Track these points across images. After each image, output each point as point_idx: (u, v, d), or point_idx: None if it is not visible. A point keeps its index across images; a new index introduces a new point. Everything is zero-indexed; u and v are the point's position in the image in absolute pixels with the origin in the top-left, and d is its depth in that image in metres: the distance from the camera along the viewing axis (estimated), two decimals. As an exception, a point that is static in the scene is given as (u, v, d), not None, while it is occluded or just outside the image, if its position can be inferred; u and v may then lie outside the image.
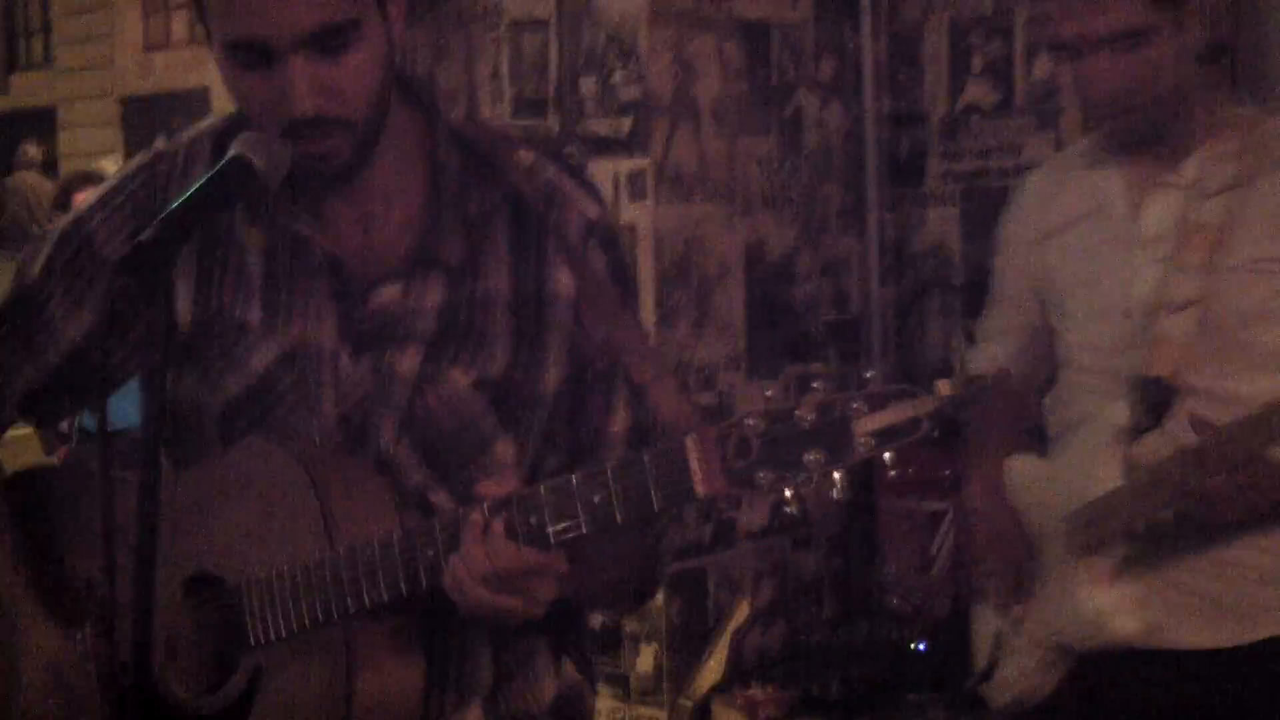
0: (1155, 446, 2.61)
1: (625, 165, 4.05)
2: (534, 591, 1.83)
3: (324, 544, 1.88)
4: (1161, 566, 2.68)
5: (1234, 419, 2.50)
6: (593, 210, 2.04)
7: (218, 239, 2.03)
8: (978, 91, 4.57)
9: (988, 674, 2.90)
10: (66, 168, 15.25)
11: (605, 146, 4.07)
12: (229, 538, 1.96)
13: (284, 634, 1.90)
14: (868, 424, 1.65)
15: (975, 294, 4.60)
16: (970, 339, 3.21)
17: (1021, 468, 2.87)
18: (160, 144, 2.11)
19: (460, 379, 1.99)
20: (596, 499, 1.77)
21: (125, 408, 2.04)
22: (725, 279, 4.23)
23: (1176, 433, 2.58)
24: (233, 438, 2.00)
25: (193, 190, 1.84)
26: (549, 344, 2.01)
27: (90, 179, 7.61)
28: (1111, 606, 2.70)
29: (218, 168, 1.88)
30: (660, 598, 4.20)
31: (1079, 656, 2.76)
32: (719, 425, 1.70)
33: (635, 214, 4.03)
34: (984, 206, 4.57)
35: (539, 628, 2.00)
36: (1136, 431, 2.66)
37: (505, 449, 2.01)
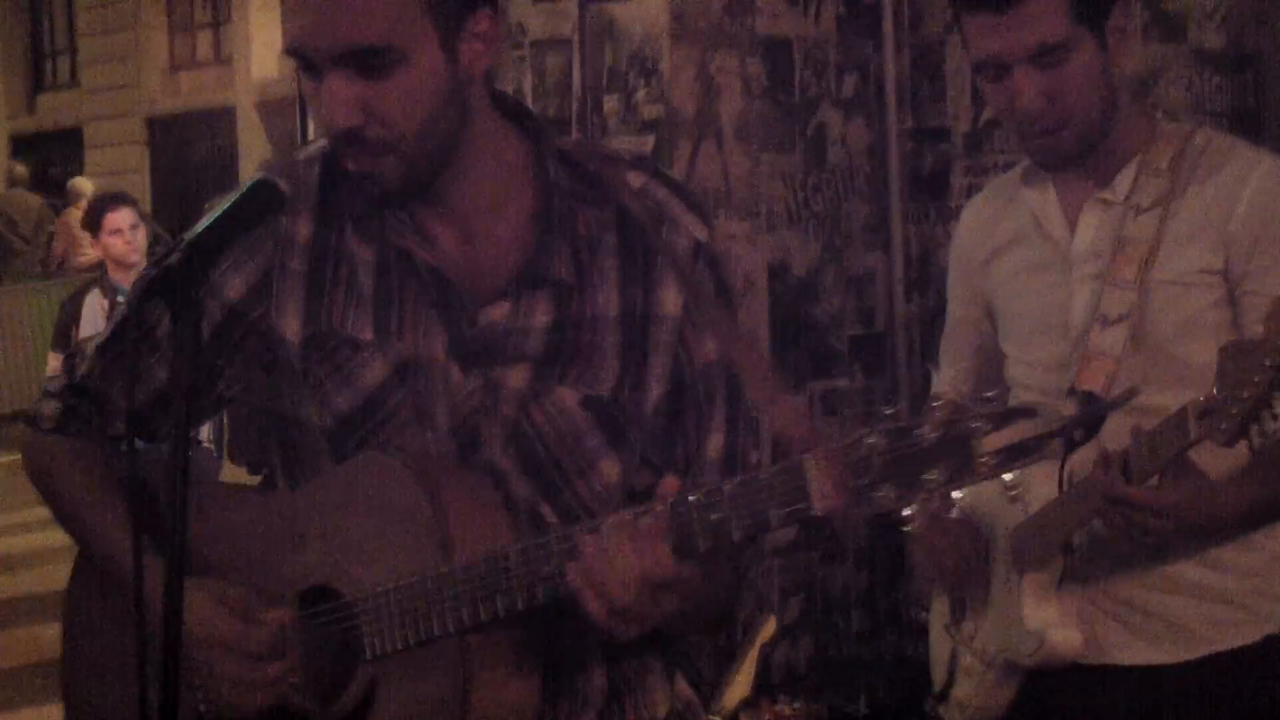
0: (1089, 459, 2.60)
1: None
2: (664, 600, 1.84)
3: (439, 558, 1.91)
4: (1103, 581, 2.68)
5: (1154, 426, 2.49)
6: (701, 232, 2.06)
7: (326, 256, 2.05)
8: (1000, 106, 4.57)
9: (944, 694, 2.90)
10: (94, 187, 15.33)
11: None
12: (345, 551, 1.98)
13: (399, 647, 1.92)
14: (989, 443, 1.65)
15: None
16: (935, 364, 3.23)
17: (974, 487, 2.85)
18: (274, 165, 2.14)
19: (568, 396, 2.01)
20: (713, 516, 1.77)
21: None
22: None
23: (1110, 446, 2.57)
24: (345, 455, 2.02)
25: (219, 213, 1.86)
26: (654, 363, 2.02)
27: (121, 199, 7.67)
28: (1053, 621, 2.69)
29: (243, 190, 1.90)
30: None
31: (1027, 673, 2.75)
32: (840, 443, 1.70)
33: (659, 232, 4.04)
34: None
35: (654, 643, 2.01)
36: (1070, 445, 2.65)
37: (610, 467, 2.03)
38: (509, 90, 4.31)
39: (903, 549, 4.93)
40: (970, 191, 4.59)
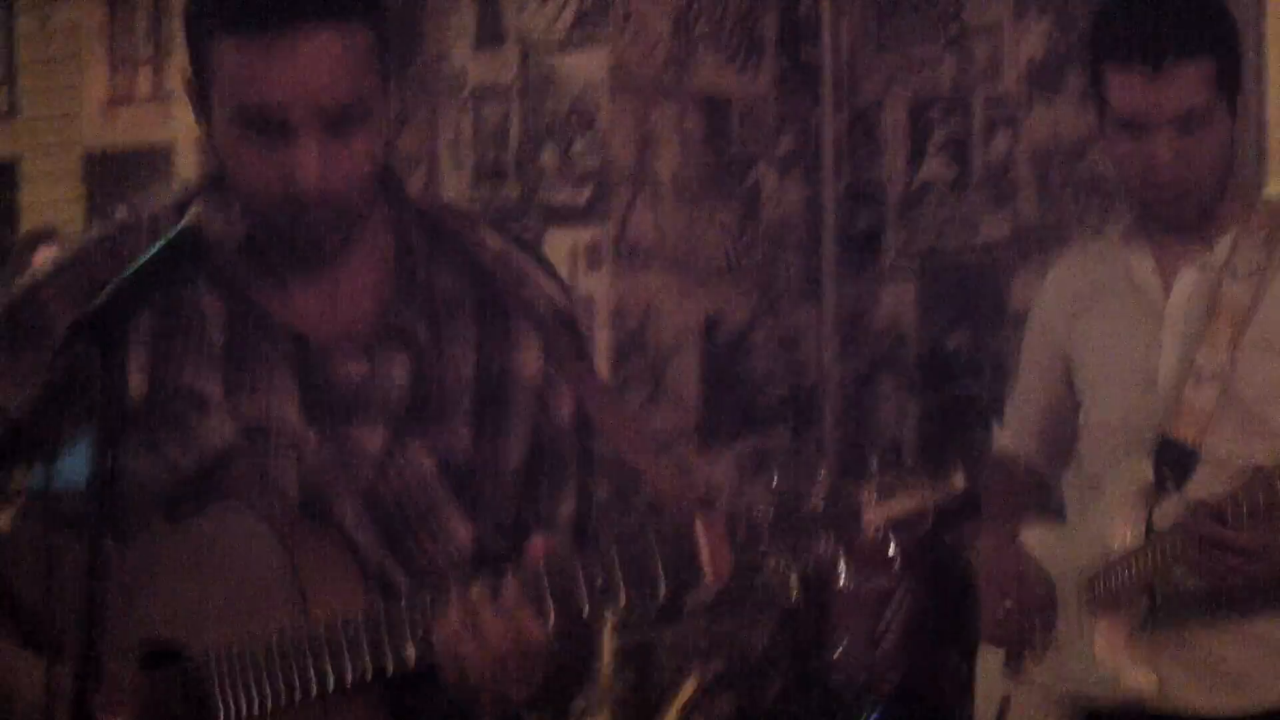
0: (1174, 510, 2.67)
1: (584, 235, 4.06)
2: (527, 670, 1.81)
3: (300, 614, 1.87)
4: (1178, 629, 2.75)
5: (1252, 476, 2.58)
6: (559, 295, 2.05)
7: (177, 309, 2.01)
8: (935, 168, 4.60)
9: None
10: (29, 220, 15.16)
11: (564, 216, 4.08)
12: (192, 606, 1.94)
13: (255, 710, 1.87)
14: (877, 513, 1.65)
15: (929, 370, 4.63)
16: (998, 420, 3.27)
17: (1038, 534, 2.94)
18: (123, 214, 2.10)
19: (424, 459, 1.98)
20: (601, 581, 1.75)
21: (74, 468, 2.03)
22: (681, 350, 4.25)
23: (1195, 498, 2.65)
24: (179, 515, 1.98)
25: (146, 258, 1.83)
26: (512, 426, 2.01)
27: (48, 236, 7.56)
28: (1126, 663, 2.75)
29: (170, 236, 1.88)
30: (609, 669, 4.18)
31: (1089, 716, 2.80)
32: (729, 509, 1.69)
33: (593, 284, 4.04)
34: (940, 282, 4.60)
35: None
36: (1157, 494, 2.73)
37: (464, 529, 2.01)
38: (449, 138, 4.32)
39: (825, 608, 4.94)
40: (902, 252, 4.62)
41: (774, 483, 1.70)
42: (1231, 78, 2.71)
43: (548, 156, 4.10)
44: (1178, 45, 2.65)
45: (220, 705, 1.89)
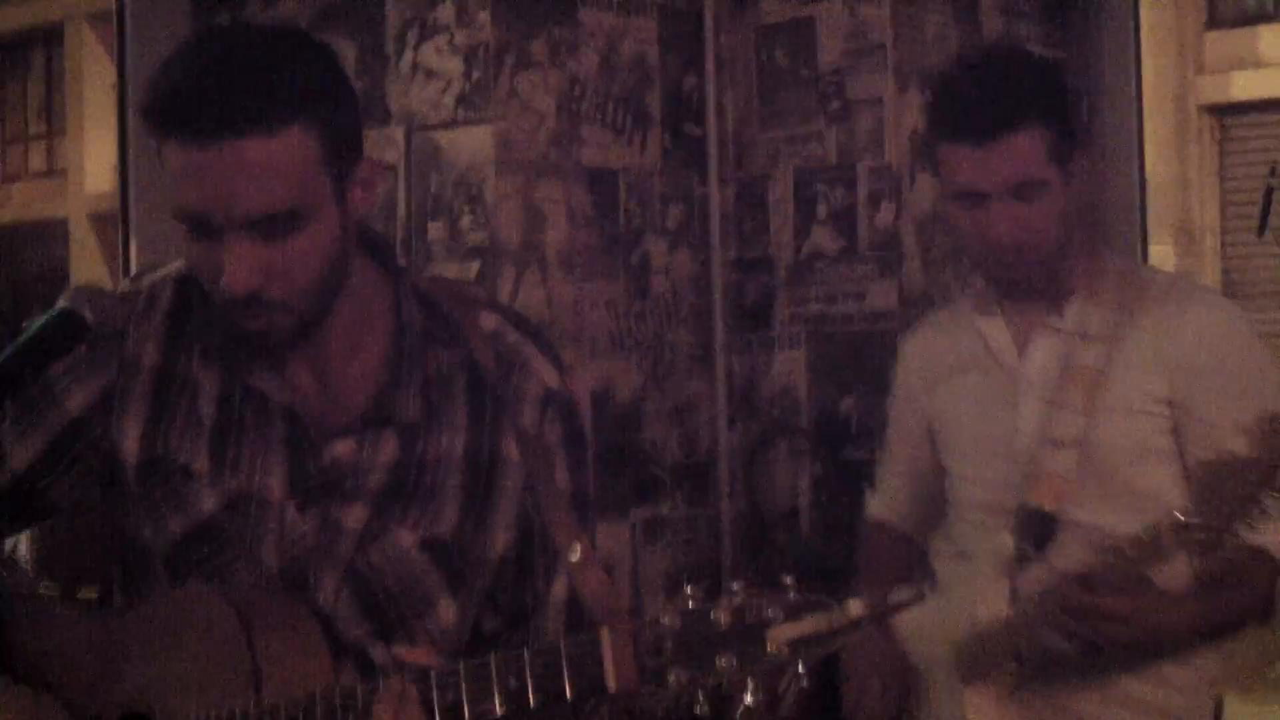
0: (1038, 576, 2.69)
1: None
2: None
3: (251, 694, 1.89)
4: (1048, 693, 2.76)
5: (1117, 542, 2.59)
6: (552, 379, 2.07)
7: (170, 381, 2.04)
8: (822, 238, 4.65)
9: None
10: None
11: (453, 291, 4.10)
12: (164, 680, 1.96)
13: None
14: (782, 633, 1.68)
15: (821, 437, 4.67)
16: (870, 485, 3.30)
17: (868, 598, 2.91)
18: (125, 285, 2.13)
19: (406, 538, 2.01)
20: (513, 683, 1.78)
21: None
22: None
23: (1059, 563, 2.66)
24: (179, 578, 2.01)
25: (20, 341, 1.85)
26: (498, 508, 2.03)
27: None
28: None
29: (45, 319, 1.89)
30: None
31: None
32: (635, 621, 1.72)
33: (482, 358, 4.04)
34: (830, 350, 4.65)
35: None
36: (1020, 562, 2.75)
37: (448, 609, 2.03)
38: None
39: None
40: (792, 321, 4.66)
41: (688, 594, 1.73)
42: (1065, 146, 2.76)
43: (435, 233, 4.12)
44: (1005, 117, 2.71)
45: None
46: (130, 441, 2.05)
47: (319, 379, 2.03)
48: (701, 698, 1.70)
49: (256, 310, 1.92)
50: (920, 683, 2.91)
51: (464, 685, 1.80)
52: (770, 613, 1.69)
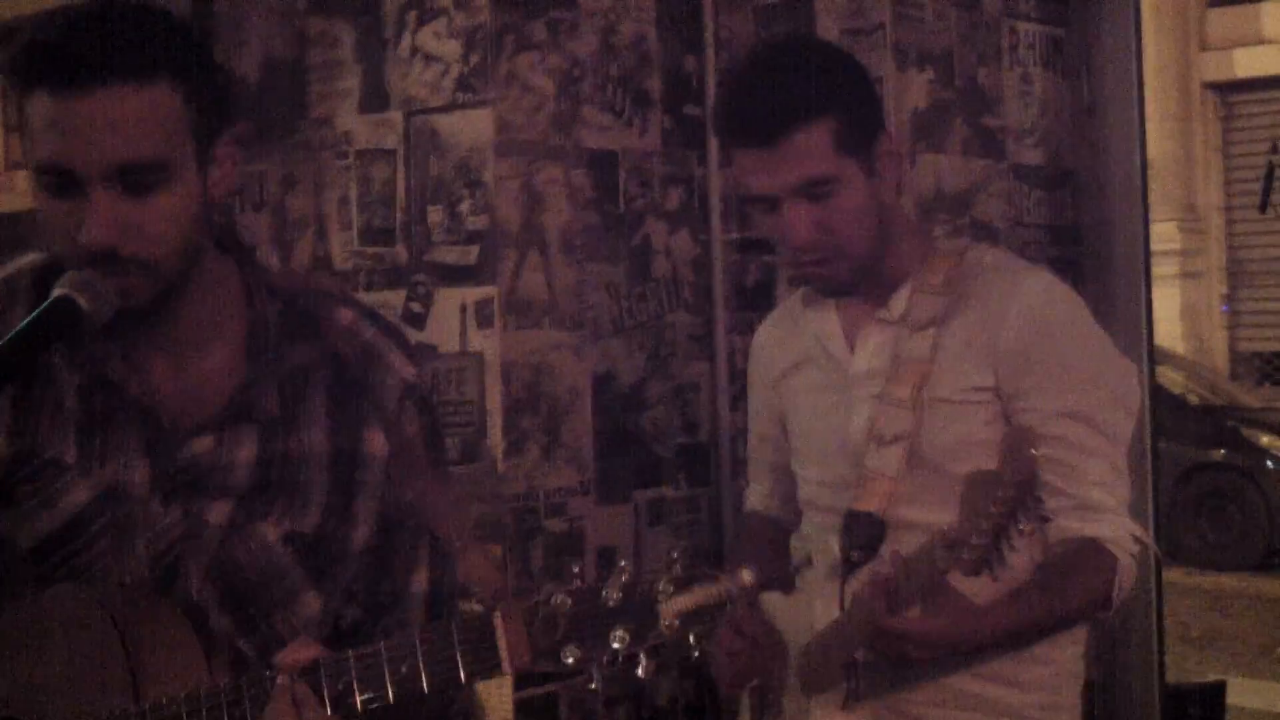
0: (866, 581, 2.60)
1: (473, 294, 4.07)
2: None
3: (129, 695, 1.88)
4: (890, 699, 2.69)
5: (909, 552, 2.50)
6: (409, 372, 2.07)
7: (35, 375, 2.03)
8: (823, 219, 4.63)
9: None
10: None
11: (453, 275, 4.09)
12: (37, 683, 1.95)
13: None
14: (673, 605, 1.69)
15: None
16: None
17: (771, 603, 2.83)
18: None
19: (270, 532, 2.00)
20: (404, 668, 1.78)
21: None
22: (575, 405, 4.26)
23: (881, 569, 2.58)
24: (45, 575, 1.99)
25: (16, 331, 1.84)
26: (360, 502, 2.03)
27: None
28: None
29: (42, 308, 1.89)
30: (509, 726, 4.17)
31: None
32: (526, 601, 1.73)
33: (483, 342, 4.05)
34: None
35: None
36: (850, 566, 2.68)
37: (311, 602, 2.03)
38: (335, 200, 4.32)
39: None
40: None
41: (576, 573, 1.75)
42: (860, 135, 2.64)
43: (435, 217, 4.11)
44: (785, 118, 2.59)
45: None
46: None
47: (174, 374, 2.02)
48: (596, 674, 1.73)
49: (117, 269, 1.91)
50: (778, 686, 2.84)
51: (354, 673, 1.80)
52: (660, 587, 1.71)
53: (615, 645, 1.71)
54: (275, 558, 2.00)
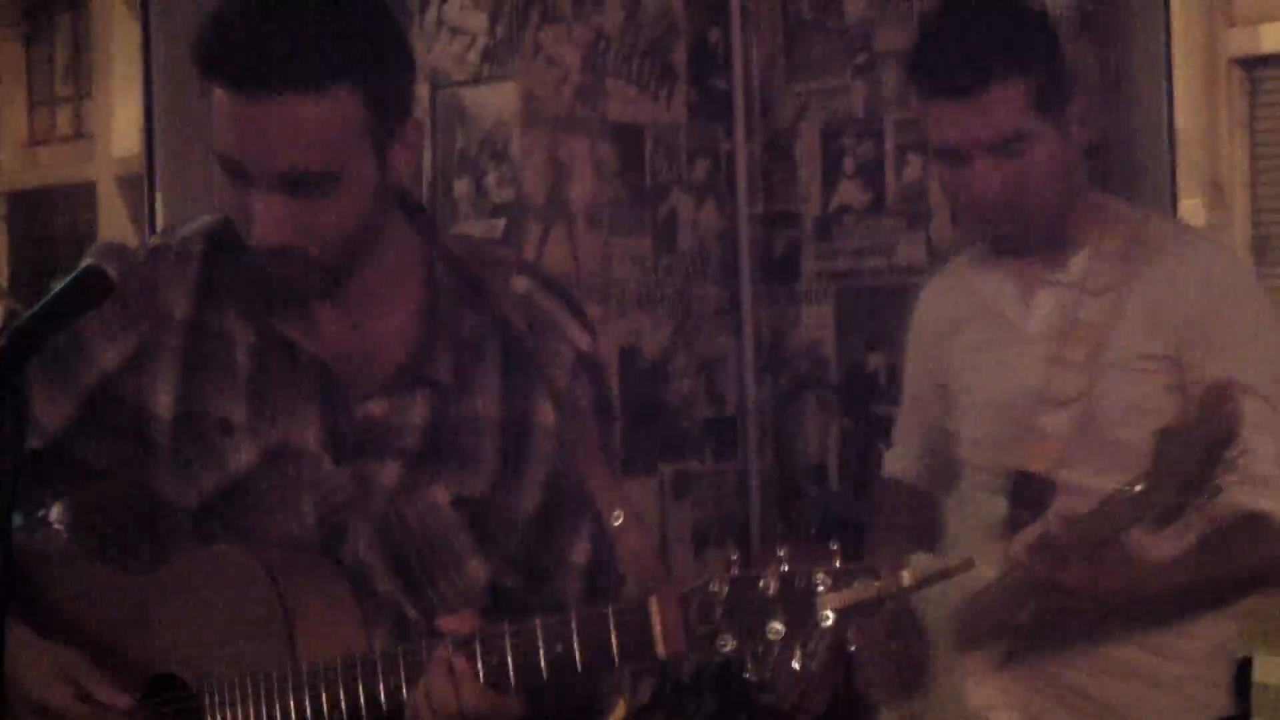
0: (1031, 542, 2.62)
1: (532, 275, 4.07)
2: None
3: (287, 655, 1.89)
4: (1044, 663, 2.70)
5: (1086, 510, 2.52)
6: (583, 342, 2.06)
7: (203, 334, 2.03)
8: (850, 192, 4.64)
9: None
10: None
11: (479, 248, 4.09)
12: (195, 640, 1.97)
13: None
14: (831, 600, 1.67)
15: (849, 391, 4.66)
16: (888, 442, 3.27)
17: (918, 565, 2.85)
18: (155, 240, 2.12)
19: (440, 495, 2.00)
20: (559, 647, 1.78)
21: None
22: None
23: (1051, 528, 2.60)
24: (208, 535, 2.01)
25: (45, 300, 1.84)
26: (530, 470, 2.03)
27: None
28: (992, 701, 2.71)
29: (71, 277, 1.89)
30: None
31: None
32: (684, 587, 1.72)
33: (509, 315, 4.05)
34: (857, 305, 4.63)
35: None
36: (1015, 526, 2.68)
37: (478, 567, 2.03)
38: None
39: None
40: (819, 276, 4.65)
41: (732, 563, 1.73)
42: (1053, 95, 2.65)
43: (461, 190, 4.11)
44: (984, 71, 2.59)
45: None
46: (164, 397, 2.04)
47: (350, 335, 2.03)
48: (750, 664, 1.70)
49: (286, 263, 1.92)
50: (930, 650, 2.85)
51: (510, 648, 1.80)
52: (819, 579, 1.68)
53: (771, 636, 1.69)
54: (444, 521, 2.00)
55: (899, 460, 3.14)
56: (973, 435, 2.86)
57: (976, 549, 2.74)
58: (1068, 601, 2.53)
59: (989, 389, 2.81)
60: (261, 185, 1.88)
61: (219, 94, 1.89)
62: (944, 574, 1.74)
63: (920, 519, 3.02)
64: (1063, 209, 2.70)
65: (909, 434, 3.10)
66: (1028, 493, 2.69)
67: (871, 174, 4.60)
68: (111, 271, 1.92)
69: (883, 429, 4.95)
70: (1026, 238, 2.73)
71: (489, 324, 2.04)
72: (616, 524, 1.88)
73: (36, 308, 1.84)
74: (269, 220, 1.89)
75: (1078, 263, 2.73)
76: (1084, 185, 2.79)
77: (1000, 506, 2.73)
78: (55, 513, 5.80)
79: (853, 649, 1.72)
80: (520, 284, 2.07)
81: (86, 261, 1.92)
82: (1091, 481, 2.62)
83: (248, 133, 1.87)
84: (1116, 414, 2.68)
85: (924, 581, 1.72)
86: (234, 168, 1.90)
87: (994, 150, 2.61)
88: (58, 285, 1.89)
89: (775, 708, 4.86)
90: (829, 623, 1.68)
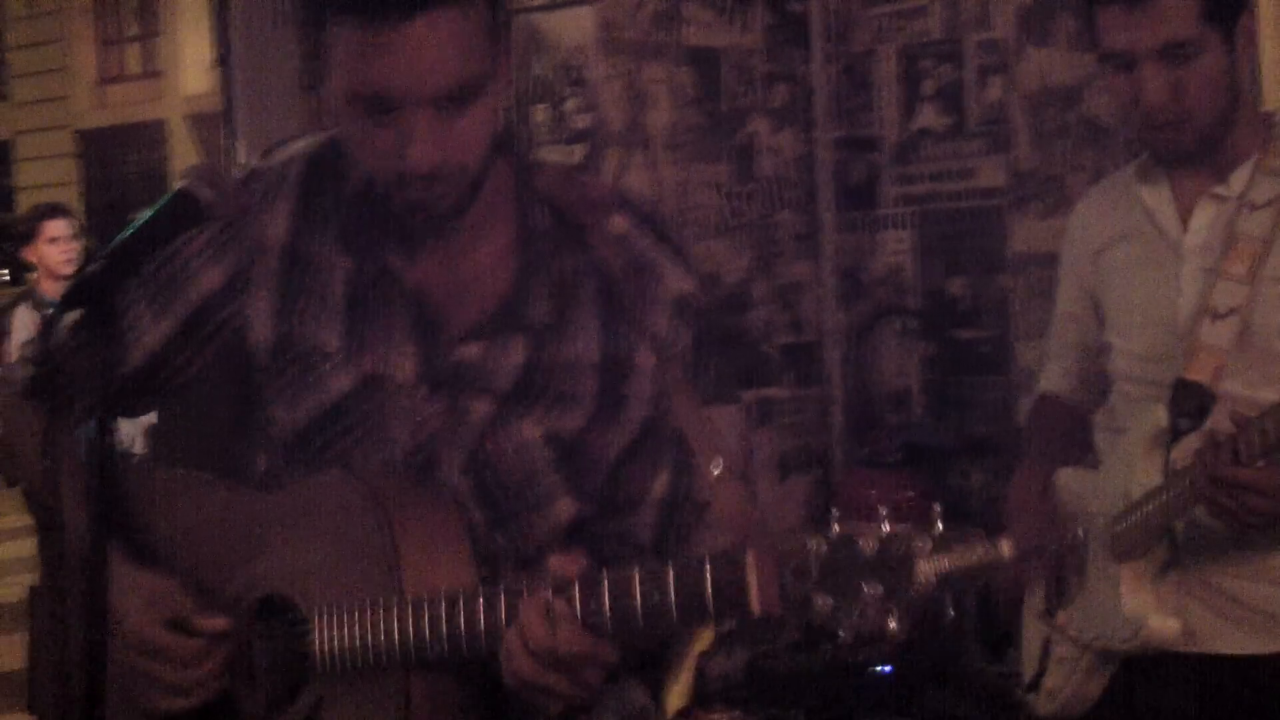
0: (1191, 450, 2.63)
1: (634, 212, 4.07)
2: (583, 677, 1.83)
3: (393, 584, 1.89)
4: (1202, 571, 2.69)
5: (1264, 410, 2.52)
6: (685, 284, 2.03)
7: (302, 260, 2.04)
8: (929, 116, 4.59)
9: (1035, 683, 2.91)
10: (24, 201, 15.21)
11: (558, 176, 4.09)
12: (304, 564, 1.97)
13: (348, 667, 1.91)
14: (930, 565, 1.65)
15: (931, 317, 4.63)
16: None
17: (1069, 478, 2.89)
18: (255, 162, 2.12)
19: (532, 431, 1.99)
20: (655, 596, 1.76)
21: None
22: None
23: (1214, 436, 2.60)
24: (306, 459, 2.01)
25: (139, 223, 1.84)
26: (628, 411, 2.01)
27: (59, 210, 7.61)
28: (1150, 608, 2.70)
29: (163, 201, 1.89)
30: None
31: (1122, 663, 2.77)
32: (782, 545, 1.69)
33: (589, 242, 4.04)
34: (937, 230, 4.59)
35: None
36: (1175, 435, 2.69)
37: (566, 505, 2.01)
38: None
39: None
40: (899, 201, 4.61)
41: (833, 524, 1.70)
42: (1222, 7, 2.66)
43: (539, 117, 4.09)
44: None
45: (317, 660, 1.93)
46: (262, 320, 2.03)
47: (448, 271, 2.01)
48: (845, 626, 1.67)
49: (431, 183, 1.91)
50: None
51: (609, 596, 1.79)
52: (919, 544, 1.66)
53: (867, 599, 1.66)
54: (535, 456, 1.99)
55: (1052, 376, 3.13)
56: (1130, 348, 2.86)
57: (1131, 459, 2.75)
58: (1241, 497, 2.54)
59: (1149, 302, 2.81)
60: (411, 111, 1.87)
61: (345, 33, 1.87)
62: (1047, 549, 1.71)
63: (1072, 434, 3.02)
64: (1227, 121, 2.69)
65: (1064, 350, 3.10)
66: (1188, 402, 2.70)
67: (951, 97, 4.55)
68: (205, 195, 1.91)
69: (965, 355, 4.93)
70: (1188, 147, 2.72)
71: (586, 265, 2.02)
72: (715, 473, 1.86)
73: (130, 230, 1.84)
74: (424, 143, 1.87)
75: (1240, 177, 2.73)
76: (1249, 99, 2.78)
77: (1159, 417, 2.73)
78: (139, 444, 5.85)
79: (951, 615, 1.69)
80: (619, 224, 2.04)
81: (179, 185, 1.92)
82: (1250, 393, 2.63)
83: (392, 61, 1.86)
84: (1275, 327, 2.68)
85: (1025, 554, 1.69)
86: (375, 102, 1.89)
87: (1161, 56, 2.62)
88: (151, 209, 1.89)
89: (857, 638, 4.88)
90: (927, 587, 1.65)
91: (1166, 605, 2.71)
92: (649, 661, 2.03)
